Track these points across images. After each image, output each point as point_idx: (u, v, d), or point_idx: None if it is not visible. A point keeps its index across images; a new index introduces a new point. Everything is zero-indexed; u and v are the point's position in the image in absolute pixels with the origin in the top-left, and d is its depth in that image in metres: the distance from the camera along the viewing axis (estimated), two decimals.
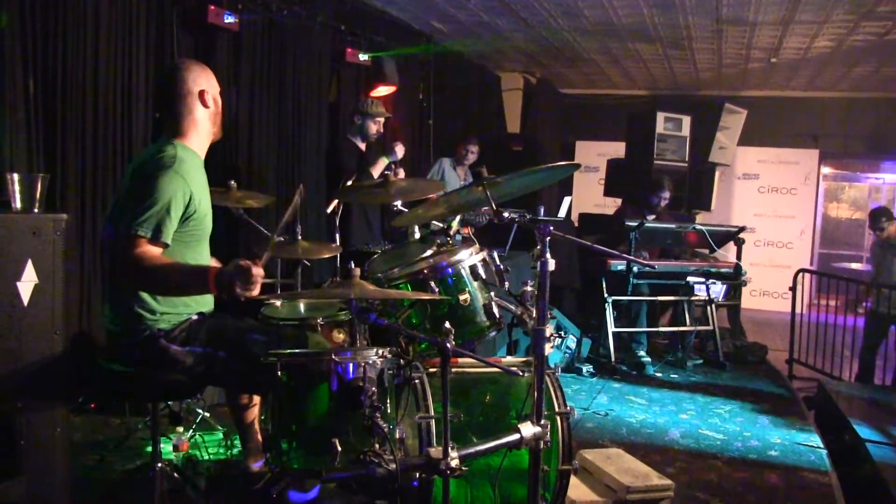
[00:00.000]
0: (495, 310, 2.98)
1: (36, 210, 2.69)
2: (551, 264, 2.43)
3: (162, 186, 2.59)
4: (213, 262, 2.94)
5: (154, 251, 2.57)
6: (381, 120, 5.45)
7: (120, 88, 4.58)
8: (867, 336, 7.01)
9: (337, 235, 4.30)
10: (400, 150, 5.38)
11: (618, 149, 9.69)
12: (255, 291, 2.40)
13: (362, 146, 5.51)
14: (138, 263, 2.53)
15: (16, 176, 2.68)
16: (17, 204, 2.67)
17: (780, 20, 7.13)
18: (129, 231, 2.54)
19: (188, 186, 2.67)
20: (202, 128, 2.87)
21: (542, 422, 2.42)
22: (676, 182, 8.73)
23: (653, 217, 6.87)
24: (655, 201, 6.98)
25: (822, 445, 4.70)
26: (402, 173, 5.29)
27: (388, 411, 2.43)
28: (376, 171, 5.26)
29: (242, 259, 2.40)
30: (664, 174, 7.52)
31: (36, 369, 2.61)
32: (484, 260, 3.00)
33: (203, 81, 2.85)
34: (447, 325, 2.29)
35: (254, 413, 3.25)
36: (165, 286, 2.61)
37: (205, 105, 2.85)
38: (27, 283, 2.59)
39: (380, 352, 2.45)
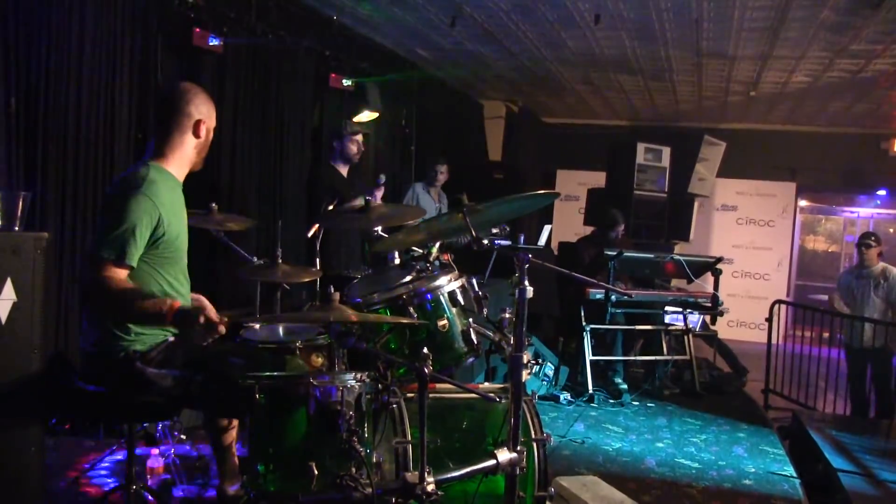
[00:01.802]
0: (473, 336, 2.99)
1: (17, 228, 2.69)
2: (529, 292, 2.46)
3: (128, 208, 2.58)
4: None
5: (119, 274, 2.56)
6: (360, 137, 5.48)
7: (103, 108, 4.58)
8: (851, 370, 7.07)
9: (317, 260, 4.31)
10: (379, 194, 5.40)
11: (598, 178, 9.79)
12: (210, 340, 2.45)
13: (344, 171, 5.53)
14: (101, 287, 2.53)
15: None
16: None
17: (759, 55, 7.28)
18: (93, 252, 2.55)
19: (156, 209, 2.66)
20: (186, 154, 2.87)
21: (518, 448, 2.43)
22: (655, 212, 8.85)
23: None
24: (614, 235, 7.12)
25: (795, 475, 4.73)
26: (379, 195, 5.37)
27: (366, 436, 2.43)
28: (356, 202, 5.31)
29: (206, 311, 2.43)
30: (617, 209, 7.56)
31: (12, 388, 2.59)
32: (463, 286, 3.02)
33: (204, 111, 2.86)
34: (425, 350, 2.31)
35: (231, 436, 3.23)
36: (123, 313, 2.60)
37: (197, 135, 2.85)
38: (5, 301, 2.58)
39: (358, 376, 2.46)
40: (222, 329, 2.42)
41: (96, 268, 2.54)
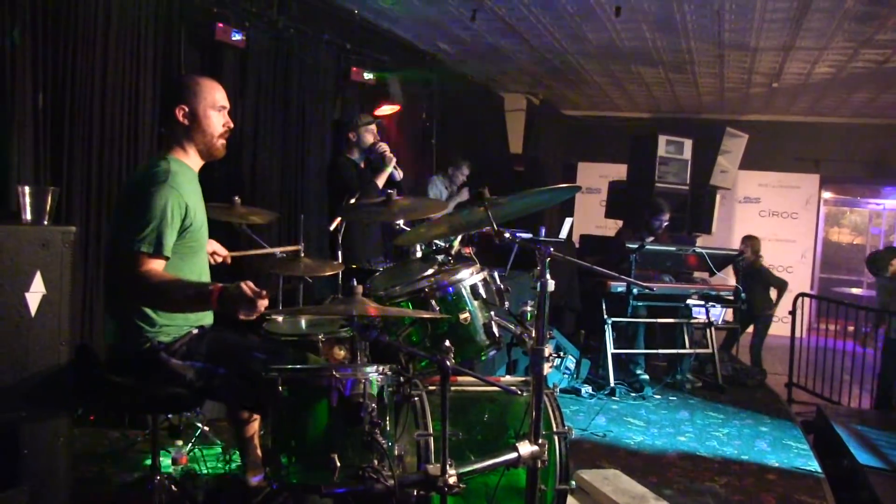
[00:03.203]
0: (495, 329, 3.00)
1: (45, 222, 2.73)
2: (551, 285, 2.45)
3: (157, 201, 2.63)
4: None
5: (157, 266, 2.61)
6: (374, 127, 5.52)
7: (127, 103, 4.63)
8: (886, 365, 6.96)
9: (339, 253, 4.34)
10: (388, 154, 5.40)
11: (620, 171, 9.75)
12: (256, 315, 2.47)
13: (362, 162, 5.57)
14: (143, 280, 2.57)
15: (27, 188, 2.71)
16: (28, 216, 2.71)
17: (781, 46, 7.21)
18: (130, 248, 2.58)
19: (183, 199, 2.71)
20: (189, 144, 2.88)
21: (540, 441, 2.44)
22: (677, 205, 8.80)
23: (651, 239, 6.91)
24: (657, 224, 7.04)
25: (820, 470, 4.70)
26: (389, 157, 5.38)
27: (388, 428, 2.45)
28: (381, 181, 5.35)
29: (248, 283, 2.45)
30: (663, 197, 7.57)
31: (41, 379, 2.64)
32: (485, 279, 3.03)
33: (188, 96, 2.85)
34: (447, 343, 2.32)
35: (253, 428, 3.27)
36: (170, 302, 2.64)
37: (182, 122, 2.85)
38: (35, 293, 2.62)
39: (380, 369, 2.47)
40: (265, 302, 2.46)
41: (135, 263, 2.58)
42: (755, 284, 7.89)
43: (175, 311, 2.74)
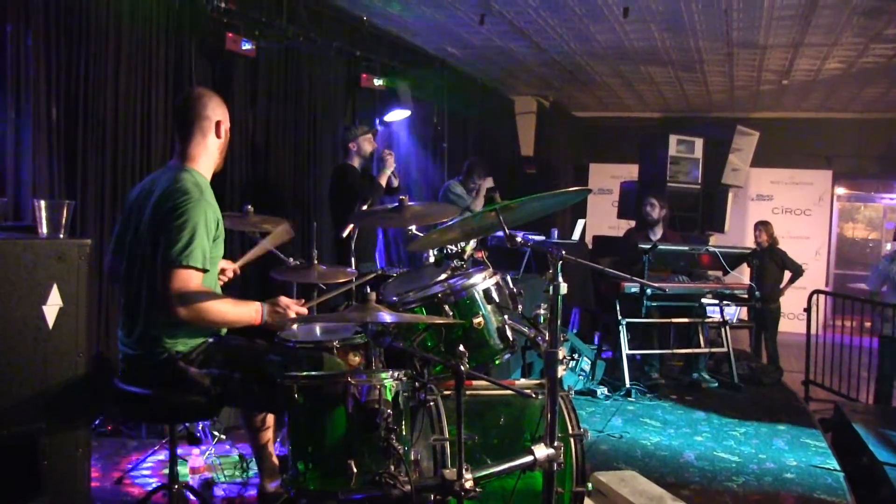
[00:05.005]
0: (509, 333, 3.01)
1: (61, 236, 2.76)
2: (564, 287, 2.46)
3: (197, 216, 2.68)
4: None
5: (198, 279, 2.67)
6: (370, 136, 5.57)
7: (139, 115, 4.67)
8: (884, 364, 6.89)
9: (352, 260, 4.35)
10: (390, 160, 5.48)
11: (631, 171, 9.74)
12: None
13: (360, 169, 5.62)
14: (197, 297, 2.63)
15: (43, 202, 2.75)
16: (44, 230, 2.74)
17: (790, 43, 7.19)
18: (177, 264, 2.61)
19: (214, 212, 2.78)
20: (211, 156, 2.96)
21: (556, 443, 2.44)
22: (689, 204, 8.77)
23: (659, 235, 6.88)
24: (647, 211, 6.96)
25: (838, 468, 4.67)
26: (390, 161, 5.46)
27: (403, 433, 2.46)
28: (383, 180, 5.38)
29: (281, 298, 2.70)
30: (659, 193, 7.52)
31: (59, 391, 2.67)
32: (497, 283, 3.04)
33: (221, 112, 2.96)
34: (461, 348, 2.33)
35: (268, 435, 3.29)
36: (220, 321, 2.74)
37: (218, 135, 2.94)
38: (52, 306, 2.65)
39: (395, 374, 2.48)
40: (304, 310, 2.72)
41: (185, 280, 2.62)
42: (770, 265, 7.85)
43: (222, 327, 2.86)
